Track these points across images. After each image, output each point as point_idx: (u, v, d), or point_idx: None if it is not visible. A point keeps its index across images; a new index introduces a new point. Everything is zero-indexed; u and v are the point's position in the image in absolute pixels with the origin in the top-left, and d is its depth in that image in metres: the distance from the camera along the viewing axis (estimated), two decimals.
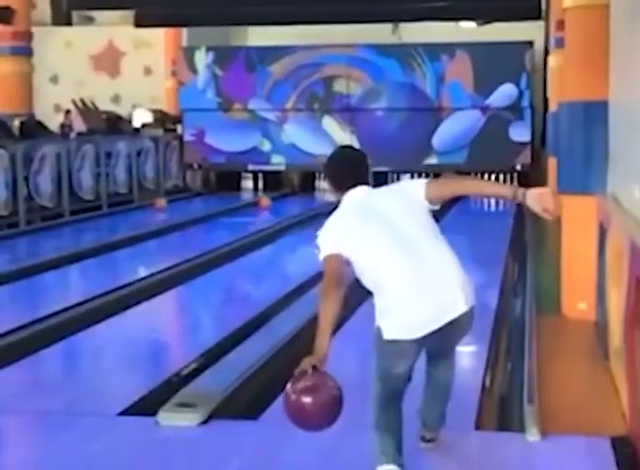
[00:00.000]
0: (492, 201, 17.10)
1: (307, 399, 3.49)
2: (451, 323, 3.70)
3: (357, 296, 7.68)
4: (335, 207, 3.96)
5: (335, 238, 3.77)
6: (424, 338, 3.70)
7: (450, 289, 3.71)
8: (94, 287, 8.62)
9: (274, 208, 16.19)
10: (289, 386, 3.57)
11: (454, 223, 12.27)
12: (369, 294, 3.85)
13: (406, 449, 4.30)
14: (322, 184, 18.57)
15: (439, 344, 3.83)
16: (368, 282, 3.79)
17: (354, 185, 3.90)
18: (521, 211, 14.85)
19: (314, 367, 3.53)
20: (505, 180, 17.73)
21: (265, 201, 16.41)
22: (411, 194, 3.84)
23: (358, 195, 3.88)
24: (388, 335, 3.71)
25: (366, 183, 3.93)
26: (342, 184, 3.93)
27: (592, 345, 6.55)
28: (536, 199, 3.68)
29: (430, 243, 3.77)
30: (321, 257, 3.76)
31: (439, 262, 3.73)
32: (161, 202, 16.18)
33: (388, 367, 3.78)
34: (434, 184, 3.87)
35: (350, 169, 3.95)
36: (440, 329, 3.69)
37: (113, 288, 8.35)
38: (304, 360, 3.57)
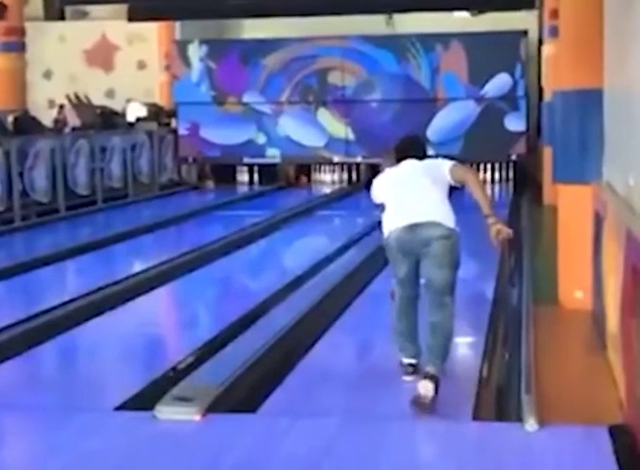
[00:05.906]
0: (488, 190, 17.10)
1: None
2: (423, 226, 5.10)
3: (353, 290, 7.72)
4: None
5: (378, 187, 5.55)
6: (403, 234, 5.13)
7: (424, 208, 5.20)
8: (90, 282, 8.59)
9: (269, 201, 16.20)
10: None
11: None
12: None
13: (406, 442, 4.31)
14: (318, 176, 18.56)
15: (418, 246, 5.10)
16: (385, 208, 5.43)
17: (406, 158, 5.57)
18: (517, 202, 14.86)
19: None
20: (501, 170, 17.74)
21: (304, 180, 18.06)
22: (437, 171, 5.43)
23: (405, 164, 5.54)
24: (385, 233, 5.28)
25: (416, 157, 5.57)
26: (398, 156, 5.60)
27: (589, 334, 6.56)
28: (493, 232, 5.12)
29: (425, 190, 5.29)
30: (373, 196, 5.58)
31: (425, 198, 5.25)
32: (210, 183, 18.12)
33: (396, 270, 5.28)
34: (458, 169, 5.45)
35: (404, 149, 5.66)
36: (415, 226, 5.12)
37: (108, 283, 8.33)
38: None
